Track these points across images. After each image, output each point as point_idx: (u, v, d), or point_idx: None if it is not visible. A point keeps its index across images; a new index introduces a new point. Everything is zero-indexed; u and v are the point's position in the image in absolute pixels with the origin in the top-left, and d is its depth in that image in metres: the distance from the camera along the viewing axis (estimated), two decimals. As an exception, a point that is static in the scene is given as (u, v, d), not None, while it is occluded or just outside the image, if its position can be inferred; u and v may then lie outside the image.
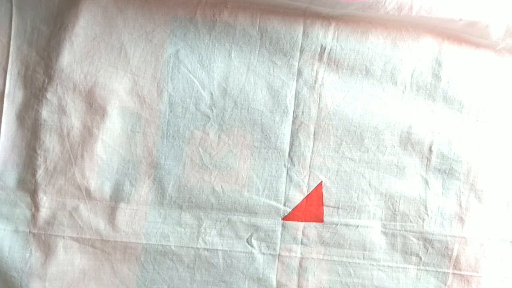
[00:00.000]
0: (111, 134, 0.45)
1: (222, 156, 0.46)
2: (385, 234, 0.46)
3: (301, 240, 0.46)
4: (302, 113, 0.46)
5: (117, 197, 0.45)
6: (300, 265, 0.46)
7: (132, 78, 0.45)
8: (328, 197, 0.46)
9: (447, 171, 0.46)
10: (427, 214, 0.46)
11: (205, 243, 0.46)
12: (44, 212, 0.45)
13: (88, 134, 0.45)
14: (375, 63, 0.46)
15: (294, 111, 0.46)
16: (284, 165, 0.46)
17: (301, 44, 0.46)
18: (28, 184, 0.45)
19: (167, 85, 0.46)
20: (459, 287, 0.46)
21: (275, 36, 0.46)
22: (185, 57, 0.46)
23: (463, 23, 0.43)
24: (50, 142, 0.45)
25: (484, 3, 0.43)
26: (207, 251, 0.46)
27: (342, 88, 0.46)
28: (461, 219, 0.46)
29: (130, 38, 0.45)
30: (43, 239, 0.45)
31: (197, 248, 0.46)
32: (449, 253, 0.46)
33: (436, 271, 0.46)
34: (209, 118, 0.46)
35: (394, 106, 0.46)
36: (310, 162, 0.46)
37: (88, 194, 0.45)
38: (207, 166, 0.46)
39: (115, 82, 0.45)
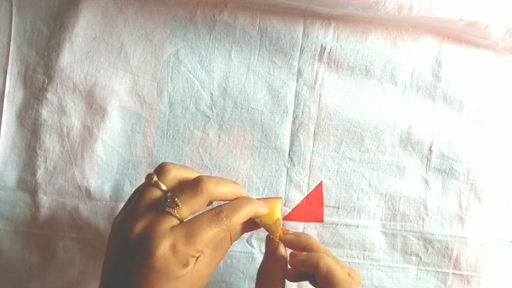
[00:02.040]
0: (111, 134, 0.45)
1: (222, 156, 0.46)
2: (385, 234, 0.46)
3: (301, 240, 0.46)
4: (302, 113, 0.46)
5: (117, 197, 0.45)
6: (300, 265, 0.46)
7: (132, 78, 0.45)
8: (328, 197, 0.46)
9: (447, 171, 0.46)
10: (427, 214, 0.46)
11: (205, 243, 0.46)
12: (44, 212, 0.45)
13: (88, 134, 0.45)
14: (375, 63, 0.46)
15: (294, 111, 0.46)
16: (284, 165, 0.46)
17: (301, 44, 0.46)
18: (28, 184, 0.45)
19: (167, 85, 0.46)
20: (459, 287, 0.46)
21: (275, 36, 0.46)
22: (185, 57, 0.46)
23: (463, 23, 0.43)
24: (50, 142, 0.45)
25: (484, 3, 0.43)
26: (207, 251, 0.45)
27: (342, 88, 0.46)
28: (461, 219, 0.46)
29: (130, 38, 0.45)
30: (43, 239, 0.45)
31: (197, 248, 0.45)
32: (449, 253, 0.46)
33: (436, 271, 0.46)
34: (209, 118, 0.46)
35: (394, 106, 0.46)
36: (310, 162, 0.46)
37: (88, 194, 0.45)
38: (207, 166, 0.46)
39: (115, 82, 0.45)
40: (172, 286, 0.31)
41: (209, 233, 0.32)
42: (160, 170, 0.34)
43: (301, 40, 0.46)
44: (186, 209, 0.32)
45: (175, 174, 0.34)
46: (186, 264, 0.31)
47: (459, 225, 0.46)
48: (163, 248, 0.30)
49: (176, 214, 0.32)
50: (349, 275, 0.36)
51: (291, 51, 0.46)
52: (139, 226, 0.31)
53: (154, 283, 0.31)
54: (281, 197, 0.45)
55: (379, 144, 0.46)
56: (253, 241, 0.46)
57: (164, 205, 0.32)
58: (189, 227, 0.32)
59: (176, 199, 0.32)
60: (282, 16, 0.45)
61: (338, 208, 0.46)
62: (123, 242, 0.31)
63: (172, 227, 0.31)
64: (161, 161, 0.35)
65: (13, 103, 0.45)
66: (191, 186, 0.33)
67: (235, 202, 0.35)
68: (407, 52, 0.46)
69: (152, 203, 0.33)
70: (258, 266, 0.44)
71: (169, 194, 0.33)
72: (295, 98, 0.46)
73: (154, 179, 0.33)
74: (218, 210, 0.33)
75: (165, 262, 0.30)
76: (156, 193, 0.33)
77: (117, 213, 0.35)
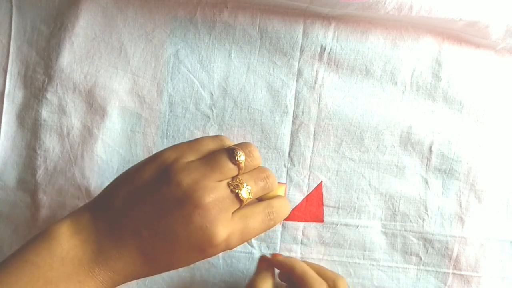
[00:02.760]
0: (111, 134, 0.45)
1: (222, 156, 0.46)
2: (385, 234, 0.46)
3: (301, 240, 0.46)
4: (302, 113, 0.46)
5: (117, 197, 0.45)
6: (300, 265, 0.46)
7: (132, 78, 0.45)
8: (328, 197, 0.46)
9: (447, 171, 0.46)
10: (427, 214, 0.46)
11: (205, 243, 0.46)
12: (44, 212, 0.45)
13: (88, 134, 0.45)
14: (375, 63, 0.46)
15: (294, 111, 0.46)
16: (284, 165, 0.46)
17: (301, 44, 0.46)
18: (28, 184, 0.45)
19: (167, 85, 0.46)
20: (459, 287, 0.46)
21: (275, 36, 0.46)
22: (185, 57, 0.46)
23: (463, 23, 0.43)
24: (50, 142, 0.45)
25: (484, 3, 0.43)
26: (207, 251, 0.46)
27: (342, 88, 0.46)
28: (461, 219, 0.46)
29: (130, 38, 0.45)
30: (43, 239, 0.45)
31: (197, 248, 0.46)
32: (449, 253, 0.46)
33: (436, 271, 0.46)
34: (209, 118, 0.46)
35: (394, 106, 0.46)
36: (310, 162, 0.46)
37: (88, 194, 0.45)
38: (207, 166, 0.46)
39: (115, 82, 0.45)
40: (199, 260, 0.32)
41: (258, 234, 0.33)
42: (249, 153, 0.33)
43: (301, 40, 0.46)
44: (252, 200, 0.33)
45: (257, 164, 0.34)
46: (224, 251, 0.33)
47: (459, 225, 0.46)
48: (221, 236, 0.31)
49: (244, 204, 0.32)
50: (334, 281, 0.40)
51: (291, 51, 0.46)
52: (209, 198, 0.30)
53: (187, 256, 0.31)
54: (286, 183, 0.46)
55: (379, 144, 0.46)
56: (253, 241, 0.46)
57: (240, 191, 0.32)
58: (245, 223, 0.32)
59: (250, 188, 0.32)
60: (282, 16, 0.46)
61: (338, 208, 0.46)
62: (182, 197, 0.30)
63: (233, 215, 0.32)
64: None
65: (13, 103, 0.45)
66: (265, 180, 0.34)
67: (282, 207, 0.35)
68: (407, 52, 0.46)
69: (226, 178, 0.32)
70: (258, 266, 0.44)
71: (241, 177, 0.33)
72: (295, 98, 0.46)
73: (240, 161, 0.32)
74: (270, 213, 0.34)
75: (215, 248, 0.31)
76: (234, 172, 0.32)
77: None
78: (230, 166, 0.32)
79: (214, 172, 0.31)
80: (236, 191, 0.32)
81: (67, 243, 0.31)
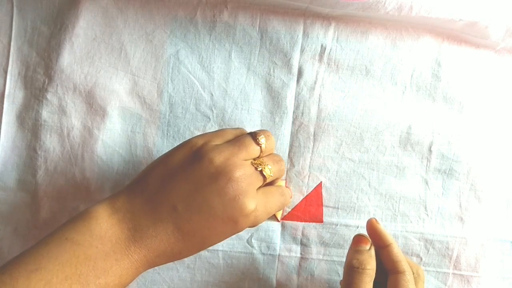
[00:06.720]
0: (111, 134, 0.45)
1: (222, 157, 0.46)
2: (385, 234, 0.46)
3: (301, 240, 0.46)
4: (302, 113, 0.46)
5: (117, 197, 0.45)
6: (300, 265, 0.46)
7: (132, 78, 0.45)
8: (328, 197, 0.46)
9: (447, 171, 0.46)
10: (427, 215, 0.46)
11: (205, 243, 0.46)
12: (44, 213, 0.45)
13: (88, 134, 0.45)
14: (375, 63, 0.46)
15: (294, 111, 0.46)
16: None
17: (301, 44, 0.46)
18: (28, 185, 0.45)
19: (167, 86, 0.46)
20: (459, 287, 0.46)
21: (275, 36, 0.46)
22: (185, 57, 0.46)
23: (463, 23, 0.43)
24: (50, 142, 0.45)
25: (484, 3, 0.43)
26: (207, 251, 0.46)
27: (342, 88, 0.46)
28: (461, 219, 0.46)
29: (131, 38, 0.45)
30: (43, 240, 0.45)
31: (197, 248, 0.46)
32: (450, 253, 0.46)
33: (437, 271, 0.46)
34: (209, 119, 0.46)
35: (394, 106, 0.46)
36: (310, 162, 0.46)
37: (88, 195, 0.45)
38: (207, 167, 0.46)
39: (115, 83, 0.45)
40: (231, 235, 0.35)
41: (275, 210, 0.38)
42: (267, 138, 0.38)
43: (301, 40, 0.46)
44: (271, 180, 0.37)
45: (273, 148, 0.39)
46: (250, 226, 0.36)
47: (459, 225, 0.46)
48: (251, 206, 0.34)
49: (266, 181, 0.37)
50: (417, 269, 0.39)
51: (291, 51, 0.46)
52: (239, 172, 0.34)
53: (221, 228, 0.34)
54: (286, 179, 0.46)
55: (379, 145, 0.46)
56: (253, 242, 0.46)
57: (263, 168, 0.36)
58: (267, 198, 0.37)
59: (271, 168, 0.37)
60: (282, 16, 0.46)
61: (338, 208, 0.46)
62: (215, 172, 0.34)
63: (257, 191, 0.36)
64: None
65: (14, 103, 0.45)
66: (279, 163, 0.39)
67: (289, 191, 0.42)
68: (407, 52, 0.46)
69: (250, 158, 0.36)
70: (258, 266, 0.44)
71: (262, 158, 0.37)
72: (295, 98, 0.46)
73: (262, 143, 0.37)
74: (282, 194, 0.40)
75: (246, 218, 0.34)
76: (257, 152, 0.37)
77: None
78: (255, 147, 0.36)
79: (241, 152, 0.35)
80: (260, 168, 0.36)
81: (105, 223, 0.32)
